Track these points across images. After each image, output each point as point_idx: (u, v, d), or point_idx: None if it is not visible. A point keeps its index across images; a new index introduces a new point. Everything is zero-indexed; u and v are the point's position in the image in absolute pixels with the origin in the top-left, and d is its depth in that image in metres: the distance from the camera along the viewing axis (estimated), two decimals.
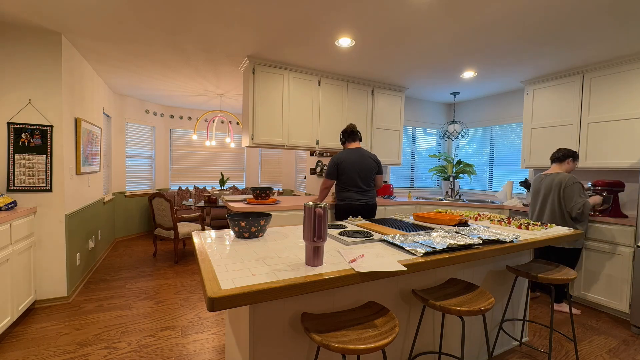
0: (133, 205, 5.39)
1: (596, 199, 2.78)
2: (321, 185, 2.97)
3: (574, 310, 2.87)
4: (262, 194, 3.21)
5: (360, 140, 3.00)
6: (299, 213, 3.17)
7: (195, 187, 5.97)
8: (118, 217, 5.11)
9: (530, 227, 2.03)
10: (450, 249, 1.50)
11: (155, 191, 5.80)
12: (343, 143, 3.02)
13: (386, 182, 4.54)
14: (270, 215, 1.78)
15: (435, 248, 1.46)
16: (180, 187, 5.87)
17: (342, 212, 2.87)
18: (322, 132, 3.69)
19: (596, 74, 3.11)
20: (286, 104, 3.43)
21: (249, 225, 1.64)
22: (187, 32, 2.63)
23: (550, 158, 2.93)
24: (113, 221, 4.94)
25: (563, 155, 2.84)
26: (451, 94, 4.46)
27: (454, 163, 4.66)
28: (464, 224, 2.11)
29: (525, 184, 3.82)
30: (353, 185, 2.85)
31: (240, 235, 1.67)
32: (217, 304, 0.94)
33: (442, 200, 4.27)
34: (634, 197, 3.05)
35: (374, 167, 2.90)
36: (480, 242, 1.60)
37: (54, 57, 2.68)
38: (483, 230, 1.88)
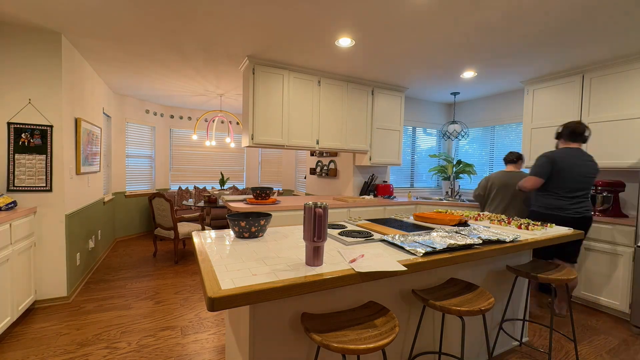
0: (133, 205, 5.39)
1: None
2: (526, 184, 2.59)
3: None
4: (262, 194, 3.21)
5: (584, 142, 2.59)
6: (299, 213, 3.17)
7: (195, 187, 5.97)
8: (118, 217, 5.11)
9: (530, 227, 2.03)
10: (450, 249, 1.50)
11: (155, 191, 5.80)
12: (558, 138, 2.62)
13: (386, 182, 4.54)
14: (270, 215, 1.78)
15: (435, 248, 1.46)
16: (180, 187, 5.87)
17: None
18: (322, 132, 3.69)
19: (596, 74, 3.11)
20: (286, 104, 3.43)
21: (249, 225, 1.64)
22: (187, 32, 2.63)
23: (506, 160, 3.30)
24: (113, 221, 4.94)
25: (517, 158, 3.24)
26: (451, 94, 4.46)
27: (454, 163, 4.66)
28: (464, 224, 2.11)
29: None
30: (568, 191, 2.44)
31: (240, 235, 1.67)
32: (217, 304, 0.94)
33: (442, 200, 4.27)
34: (634, 197, 3.05)
35: (594, 173, 2.48)
36: (480, 242, 1.60)
37: (54, 57, 2.68)
38: (483, 230, 1.88)
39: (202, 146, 6.35)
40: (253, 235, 1.68)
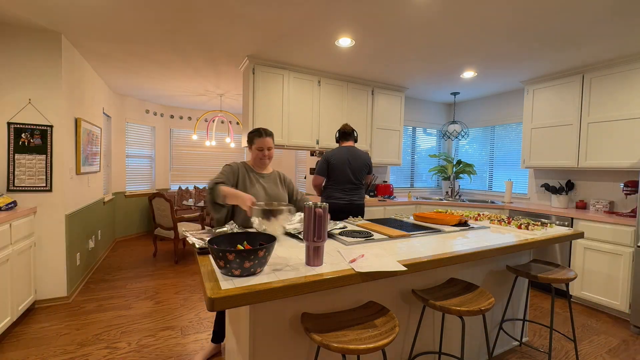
0: (133, 205, 5.39)
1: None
2: (312, 182, 2.84)
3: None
4: None
5: (355, 141, 2.89)
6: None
7: (195, 187, 5.97)
8: (118, 217, 5.11)
9: (530, 227, 2.03)
10: None
11: (155, 191, 5.80)
12: (337, 142, 2.93)
13: (386, 182, 4.54)
14: (274, 240, 1.24)
15: None
16: (180, 187, 5.87)
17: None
18: (322, 132, 3.69)
19: (596, 74, 3.11)
20: (286, 104, 3.43)
21: (241, 259, 1.08)
22: (187, 31, 2.63)
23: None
24: (113, 221, 4.94)
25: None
26: (451, 94, 4.46)
27: (454, 163, 4.66)
28: (464, 224, 2.11)
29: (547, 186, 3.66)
30: (341, 183, 2.72)
31: (228, 273, 1.11)
32: (217, 304, 0.94)
33: (442, 200, 4.26)
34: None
35: (365, 166, 2.79)
36: None
37: (54, 57, 2.68)
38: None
39: (202, 146, 6.35)
40: (247, 273, 1.11)
